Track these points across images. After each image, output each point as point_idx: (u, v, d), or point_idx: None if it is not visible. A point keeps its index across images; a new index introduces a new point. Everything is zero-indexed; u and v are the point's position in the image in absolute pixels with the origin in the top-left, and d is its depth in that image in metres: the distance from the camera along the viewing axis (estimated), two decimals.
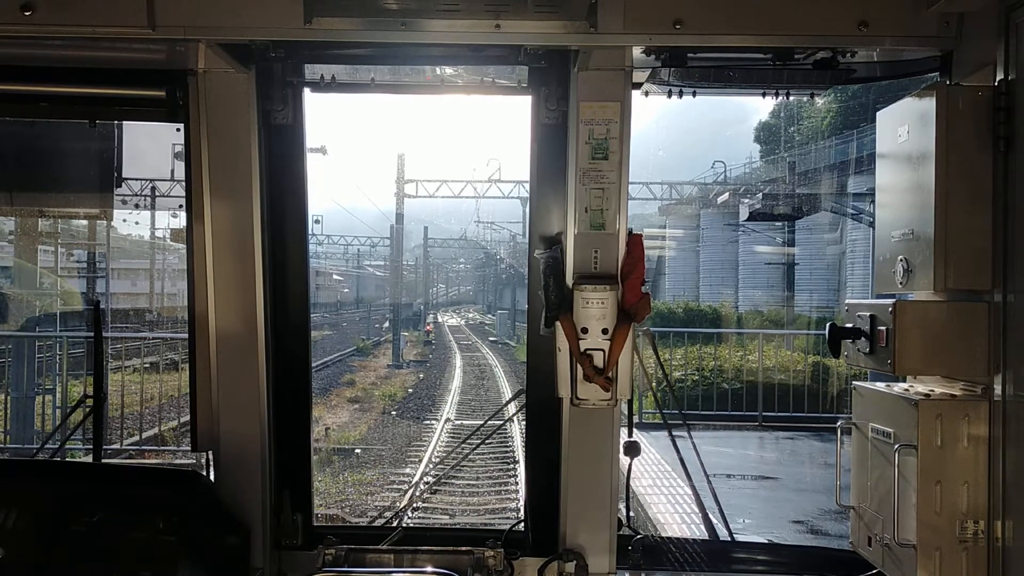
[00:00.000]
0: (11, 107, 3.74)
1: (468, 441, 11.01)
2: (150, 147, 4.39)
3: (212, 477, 3.65)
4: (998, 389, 2.85)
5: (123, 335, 26.66)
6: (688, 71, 3.33)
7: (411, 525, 10.69)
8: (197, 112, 3.44)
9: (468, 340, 57.20)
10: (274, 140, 3.60)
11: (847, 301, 3.41)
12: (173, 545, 3.25)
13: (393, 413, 24.37)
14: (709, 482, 4.21)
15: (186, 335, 3.70)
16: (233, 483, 3.60)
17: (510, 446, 17.87)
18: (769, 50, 3.27)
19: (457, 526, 11.89)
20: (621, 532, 3.72)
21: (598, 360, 3.30)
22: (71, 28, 3.07)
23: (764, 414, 17.50)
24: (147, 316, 46.20)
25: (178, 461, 14.70)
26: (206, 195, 3.49)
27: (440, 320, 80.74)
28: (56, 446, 7.47)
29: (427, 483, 14.61)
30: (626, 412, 3.82)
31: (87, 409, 4.15)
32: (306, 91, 3.63)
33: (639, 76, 3.45)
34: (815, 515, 11.36)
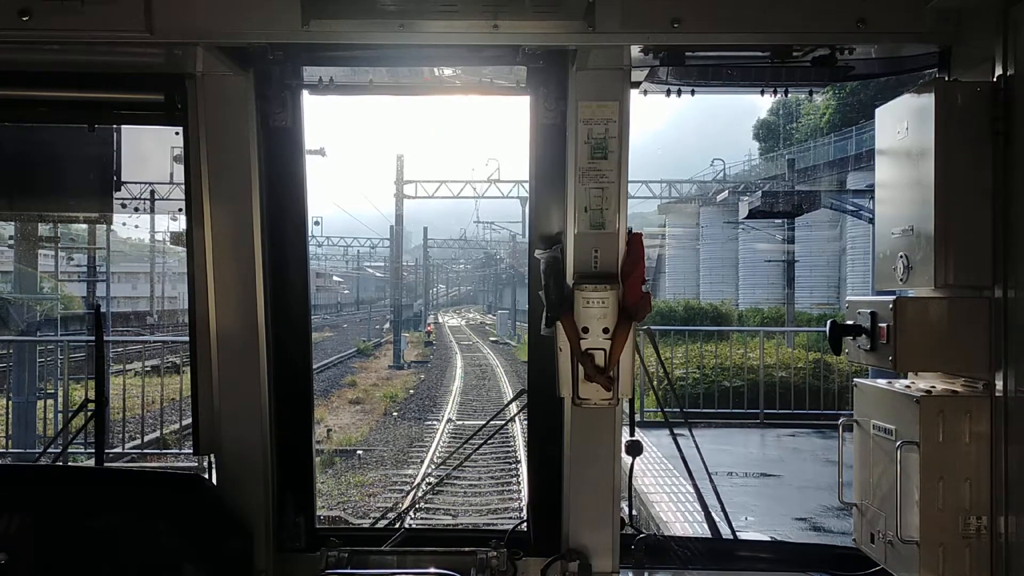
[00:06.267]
0: (10, 112, 3.73)
1: (470, 441, 11.00)
2: (149, 150, 4.38)
3: (214, 480, 3.65)
4: (1000, 385, 2.85)
5: (124, 339, 26.70)
6: (686, 69, 3.33)
7: (414, 526, 10.71)
8: (196, 115, 3.43)
9: (469, 340, 57.25)
10: (273, 142, 3.60)
11: (848, 298, 3.40)
12: (175, 549, 3.25)
13: (395, 414, 24.38)
14: (711, 480, 4.21)
15: (187, 338, 3.70)
16: (235, 486, 3.60)
17: (512, 446, 17.89)
18: (767, 48, 3.26)
19: (460, 527, 11.90)
20: (624, 531, 3.71)
21: (599, 359, 3.29)
22: (69, 33, 3.06)
23: (765, 411, 17.51)
24: (148, 319, 46.29)
25: (180, 464, 14.71)
26: (205, 198, 3.49)
27: (441, 320, 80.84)
28: (58, 450, 7.47)
29: (429, 484, 14.61)
30: (628, 411, 3.82)
31: (88, 413, 4.15)
32: (304, 93, 3.62)
33: (637, 75, 3.44)
34: (818, 512, 11.36)
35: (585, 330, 3.28)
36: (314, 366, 4.63)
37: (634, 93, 3.45)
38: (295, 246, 3.72)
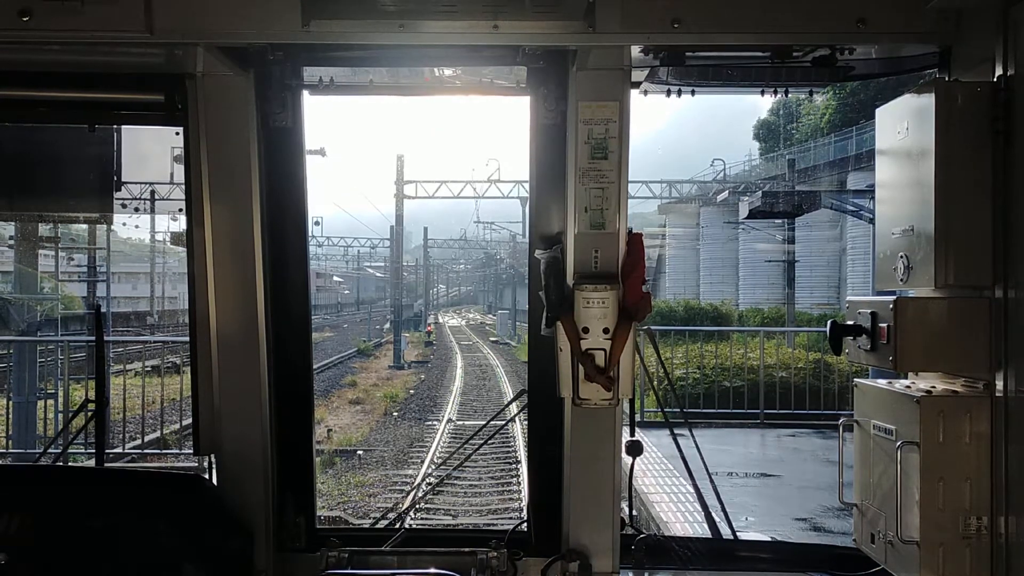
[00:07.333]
0: (10, 112, 3.73)
1: (470, 442, 11.01)
2: (149, 150, 4.38)
3: (214, 480, 3.65)
4: (1000, 385, 2.85)
5: (124, 339, 26.69)
6: (686, 69, 3.33)
7: (414, 526, 10.72)
8: (196, 115, 3.43)
9: (469, 340, 57.27)
10: (273, 143, 3.60)
11: (848, 298, 3.40)
12: (176, 549, 3.25)
13: (395, 414, 24.38)
14: (711, 480, 4.20)
15: (187, 338, 3.70)
16: (235, 486, 3.60)
17: (512, 446, 17.89)
18: (767, 48, 3.26)
19: (460, 527, 11.90)
20: (624, 531, 3.71)
21: (599, 360, 3.29)
22: (69, 33, 3.07)
23: (765, 411, 17.51)
24: (148, 319, 46.32)
25: (180, 464, 14.71)
26: (206, 198, 3.49)
27: (441, 321, 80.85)
28: (58, 451, 7.47)
29: (429, 484, 14.62)
30: (628, 411, 3.82)
31: (89, 413, 4.15)
32: (305, 93, 3.62)
33: (637, 75, 3.45)
34: (818, 512, 11.36)
35: (585, 330, 3.28)
36: (314, 366, 4.62)
37: (634, 93, 3.45)
38: (295, 246, 3.72)
